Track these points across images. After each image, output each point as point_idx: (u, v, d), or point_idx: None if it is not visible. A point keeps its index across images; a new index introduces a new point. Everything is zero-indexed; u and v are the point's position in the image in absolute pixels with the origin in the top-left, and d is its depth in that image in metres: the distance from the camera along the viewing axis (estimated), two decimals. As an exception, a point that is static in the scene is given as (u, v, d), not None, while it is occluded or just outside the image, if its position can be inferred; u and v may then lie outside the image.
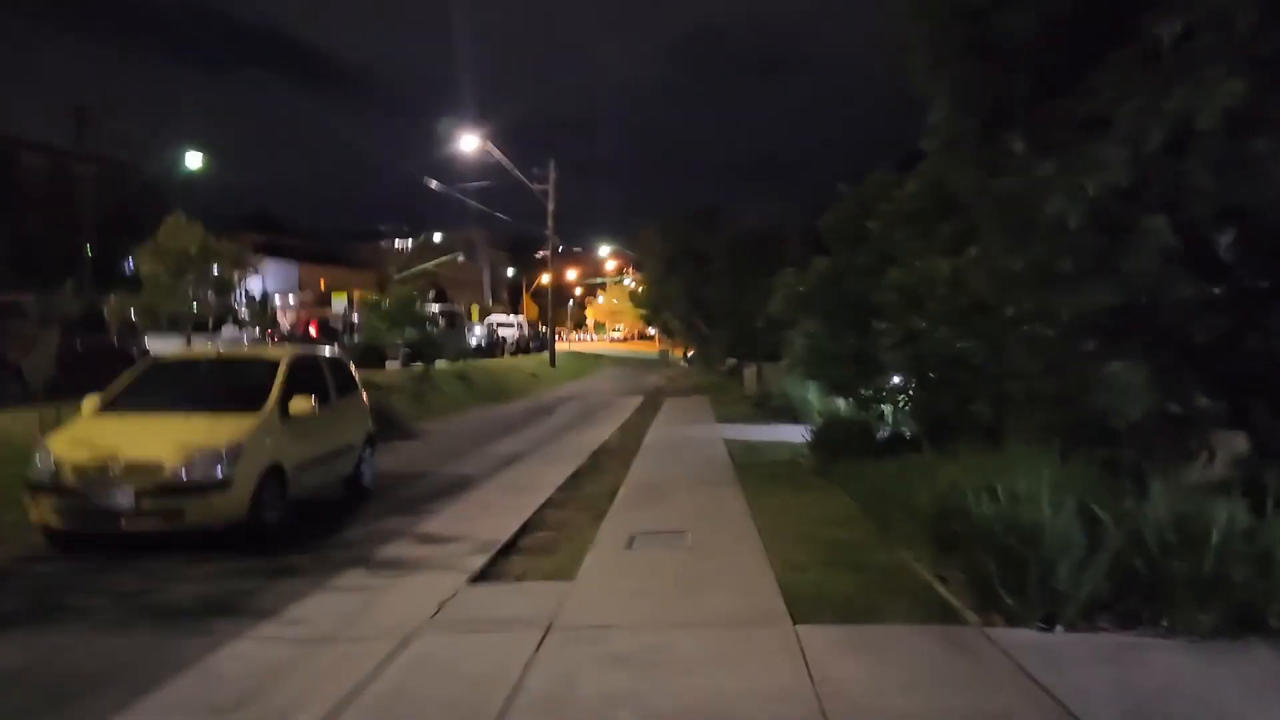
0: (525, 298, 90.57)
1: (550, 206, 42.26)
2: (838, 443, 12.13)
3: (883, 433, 12.30)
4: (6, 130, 36.90)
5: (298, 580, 6.66)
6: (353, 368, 11.06)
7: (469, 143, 35.44)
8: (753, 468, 12.18)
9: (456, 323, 33.23)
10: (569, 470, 12.38)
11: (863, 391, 12.12)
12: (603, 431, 17.88)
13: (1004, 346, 7.81)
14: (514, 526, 8.61)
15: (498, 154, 37.05)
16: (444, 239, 78.11)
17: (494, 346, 40.01)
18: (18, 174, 36.57)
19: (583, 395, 29.28)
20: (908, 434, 12.28)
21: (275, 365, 8.78)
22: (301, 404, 8.48)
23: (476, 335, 39.19)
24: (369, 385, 21.98)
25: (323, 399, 9.21)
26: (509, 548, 7.84)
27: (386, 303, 22.11)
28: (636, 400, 26.87)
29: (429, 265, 71.75)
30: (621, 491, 10.42)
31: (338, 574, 6.84)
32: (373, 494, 10.46)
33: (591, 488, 11.05)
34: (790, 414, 19.41)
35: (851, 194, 12.26)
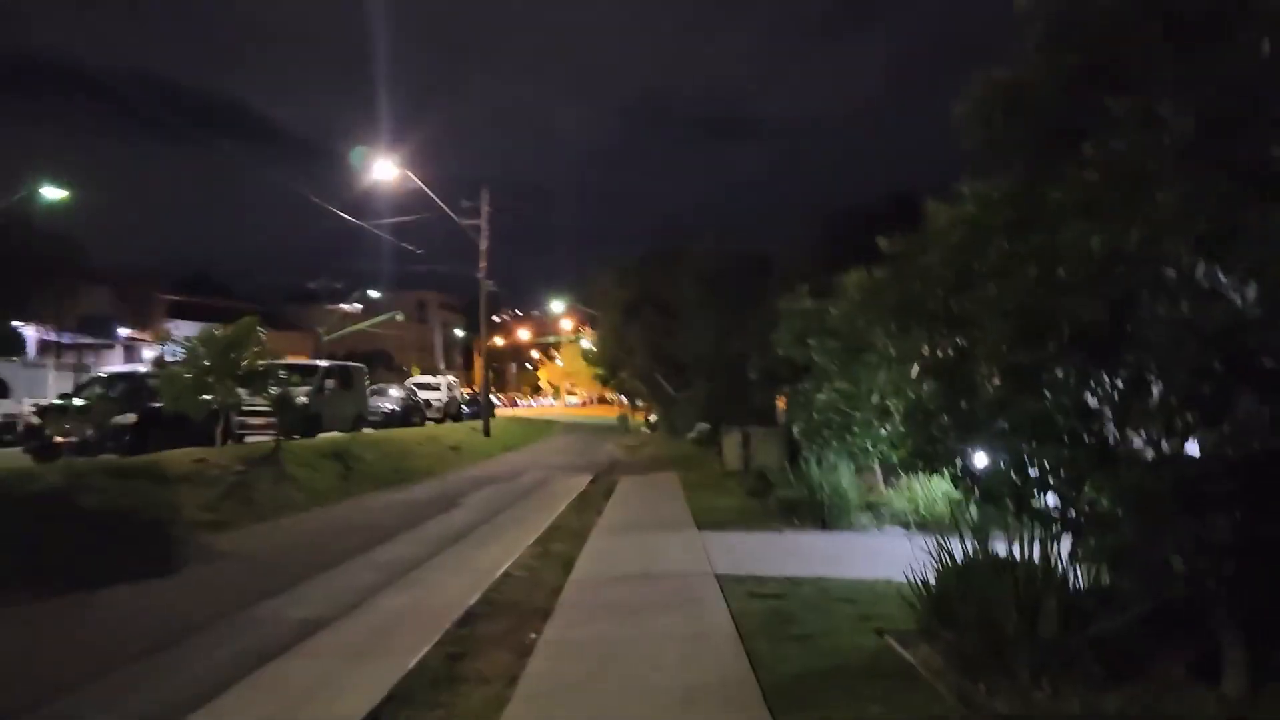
0: (477, 360, 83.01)
1: (483, 244, 35.27)
2: (994, 629, 5.07)
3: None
4: None
5: None
6: None
7: (385, 170, 28.52)
8: (808, 706, 4.91)
9: (353, 382, 25.63)
10: None
11: (1096, 503, 4.94)
12: (506, 554, 10.53)
13: None
14: None
15: (417, 181, 30.13)
16: (392, 299, 70.65)
17: (410, 412, 32.34)
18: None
19: (512, 475, 21.85)
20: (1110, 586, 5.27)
21: None
22: None
23: (390, 399, 31.61)
24: (148, 474, 14.34)
25: None
26: None
27: (199, 347, 14.45)
28: (582, 481, 19.54)
29: (364, 325, 64.23)
30: None
31: None
32: None
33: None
34: (811, 512, 12.19)
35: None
